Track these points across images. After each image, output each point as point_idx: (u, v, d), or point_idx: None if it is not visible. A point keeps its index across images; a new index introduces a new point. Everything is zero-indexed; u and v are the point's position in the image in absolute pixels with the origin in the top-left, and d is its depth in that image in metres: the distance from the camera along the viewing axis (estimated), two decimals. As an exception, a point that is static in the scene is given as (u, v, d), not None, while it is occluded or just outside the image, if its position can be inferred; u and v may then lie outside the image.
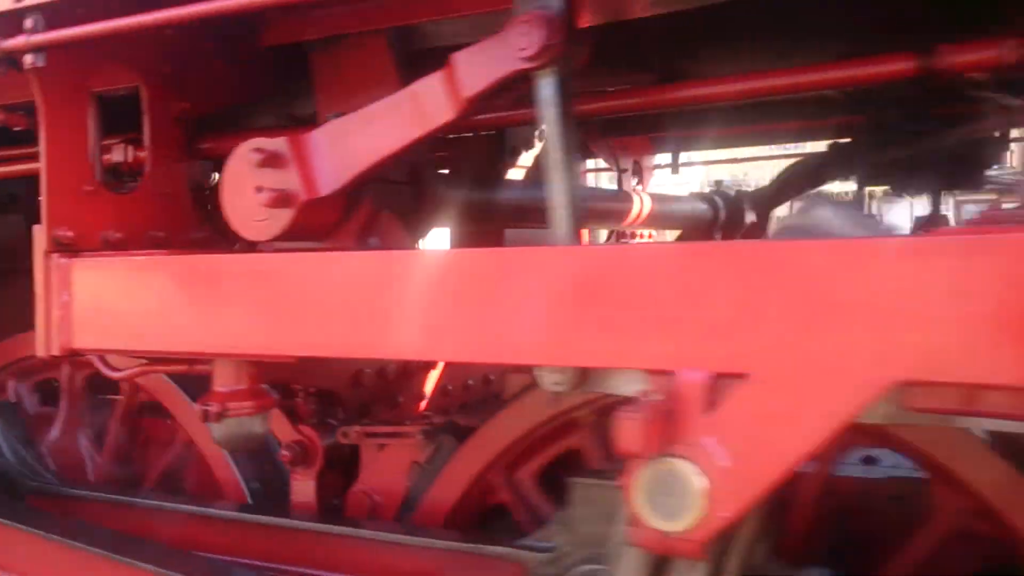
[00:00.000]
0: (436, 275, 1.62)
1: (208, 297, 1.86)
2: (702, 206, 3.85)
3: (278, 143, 1.81)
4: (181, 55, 2.18)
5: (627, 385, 1.48)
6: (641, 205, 3.35)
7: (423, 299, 1.61)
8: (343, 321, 1.67)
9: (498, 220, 2.75)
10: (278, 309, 1.74)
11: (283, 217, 1.81)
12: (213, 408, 1.91)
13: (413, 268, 1.64)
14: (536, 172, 3.70)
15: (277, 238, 1.84)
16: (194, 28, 2.00)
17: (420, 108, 1.72)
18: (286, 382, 2.67)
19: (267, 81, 2.35)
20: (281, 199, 1.79)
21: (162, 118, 2.19)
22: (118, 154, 2.41)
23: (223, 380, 1.96)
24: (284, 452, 2.61)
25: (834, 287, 1.30)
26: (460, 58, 1.65)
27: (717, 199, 3.90)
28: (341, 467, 2.71)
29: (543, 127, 1.60)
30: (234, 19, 1.84)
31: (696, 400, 1.40)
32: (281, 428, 2.64)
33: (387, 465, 2.58)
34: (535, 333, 1.50)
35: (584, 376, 1.50)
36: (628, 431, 1.36)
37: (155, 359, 2.07)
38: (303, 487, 2.65)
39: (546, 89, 1.58)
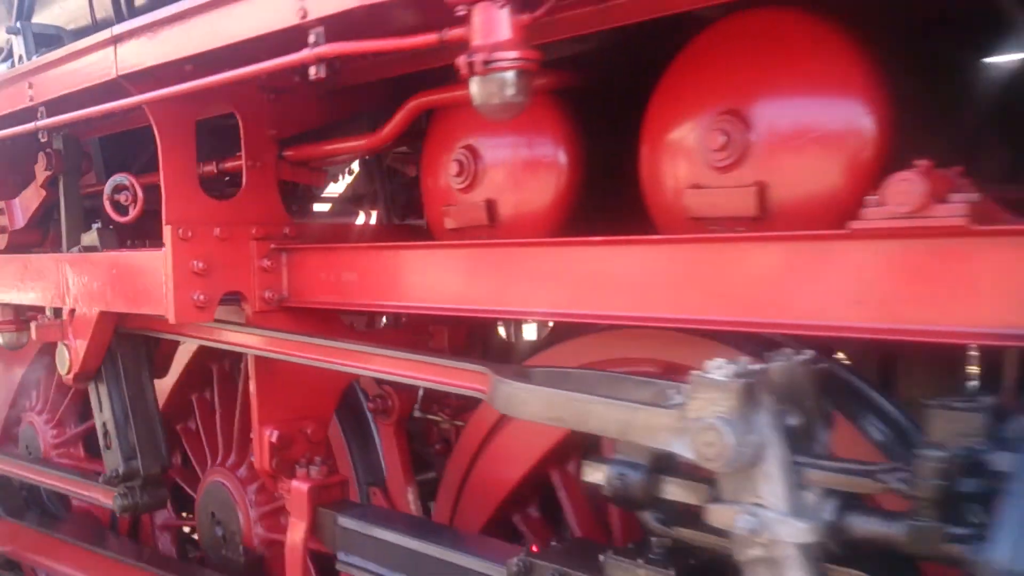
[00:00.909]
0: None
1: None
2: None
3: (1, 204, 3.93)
4: None
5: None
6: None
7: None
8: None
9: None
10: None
11: (5, 238, 3.93)
12: (-8, 329, 4.07)
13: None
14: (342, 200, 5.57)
15: (5, 247, 3.95)
16: None
17: (34, 196, 3.75)
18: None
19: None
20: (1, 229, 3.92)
21: None
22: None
23: None
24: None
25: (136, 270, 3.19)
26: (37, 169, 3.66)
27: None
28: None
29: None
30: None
31: (66, 322, 3.33)
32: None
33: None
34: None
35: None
36: (33, 331, 3.33)
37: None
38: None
39: (60, 183, 3.55)
